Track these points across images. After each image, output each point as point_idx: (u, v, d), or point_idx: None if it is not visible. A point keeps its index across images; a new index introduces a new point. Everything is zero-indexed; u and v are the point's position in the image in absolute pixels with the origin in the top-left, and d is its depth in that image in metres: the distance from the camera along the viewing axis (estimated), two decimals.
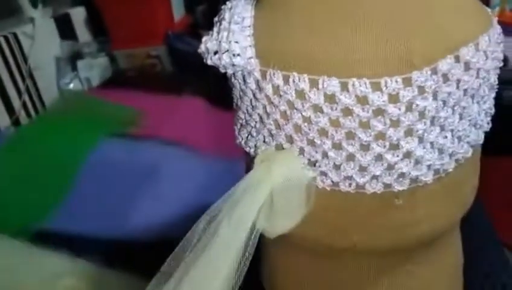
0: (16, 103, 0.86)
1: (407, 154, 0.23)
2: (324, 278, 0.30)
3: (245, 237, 0.22)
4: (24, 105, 0.88)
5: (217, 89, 0.94)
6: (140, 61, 1.06)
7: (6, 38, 0.84)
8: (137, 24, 1.01)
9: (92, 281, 0.47)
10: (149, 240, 0.50)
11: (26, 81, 0.88)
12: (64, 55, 0.99)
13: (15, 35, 0.86)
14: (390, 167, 0.23)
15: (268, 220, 0.23)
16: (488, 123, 0.27)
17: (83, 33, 1.07)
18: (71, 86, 0.98)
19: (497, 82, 0.26)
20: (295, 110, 0.23)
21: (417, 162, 0.23)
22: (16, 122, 0.85)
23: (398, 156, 0.23)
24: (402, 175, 0.24)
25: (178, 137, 0.74)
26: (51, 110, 0.88)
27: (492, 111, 0.27)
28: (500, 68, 0.96)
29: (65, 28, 1.01)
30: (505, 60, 1.07)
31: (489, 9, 0.27)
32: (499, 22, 0.26)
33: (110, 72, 1.06)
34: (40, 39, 0.92)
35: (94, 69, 1.02)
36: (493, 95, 0.27)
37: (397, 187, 0.24)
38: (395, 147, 0.23)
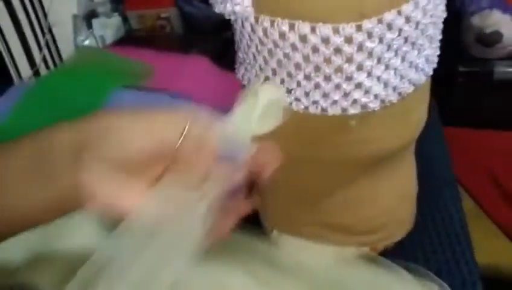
0: (37, 56, 0.94)
1: (359, 85, 0.31)
2: (297, 181, 0.38)
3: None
4: (44, 58, 0.96)
5: (221, 50, 1.01)
6: (151, 23, 1.13)
7: None
8: None
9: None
10: None
11: (46, 36, 0.96)
12: (81, 13, 1.06)
13: None
14: (346, 94, 0.31)
15: (257, 123, 0.31)
16: (430, 68, 0.35)
17: None
18: (86, 42, 1.05)
19: (437, 34, 0.34)
20: (278, 48, 0.31)
21: (366, 91, 0.31)
22: (36, 73, 0.93)
23: (351, 86, 0.31)
24: (355, 101, 0.32)
25: (185, 91, 0.82)
26: (69, 62, 0.95)
27: (434, 58, 0.35)
28: (495, 45, 1.05)
29: None
30: (499, 36, 1.16)
31: None
32: None
33: (122, 31, 1.13)
34: None
35: (108, 27, 1.09)
36: (434, 45, 0.34)
37: (351, 111, 0.32)
38: (349, 78, 0.31)
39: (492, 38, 1.25)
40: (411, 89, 0.33)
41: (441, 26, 0.34)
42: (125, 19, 1.13)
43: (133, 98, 0.78)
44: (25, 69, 0.91)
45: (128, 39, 1.11)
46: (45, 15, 0.96)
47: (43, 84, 0.85)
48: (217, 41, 1.02)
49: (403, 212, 0.43)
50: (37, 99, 0.81)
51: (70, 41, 1.04)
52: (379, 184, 0.39)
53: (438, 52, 0.35)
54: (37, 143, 0.32)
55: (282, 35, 0.31)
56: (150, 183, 0.32)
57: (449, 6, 1.34)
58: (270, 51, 0.32)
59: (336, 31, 0.29)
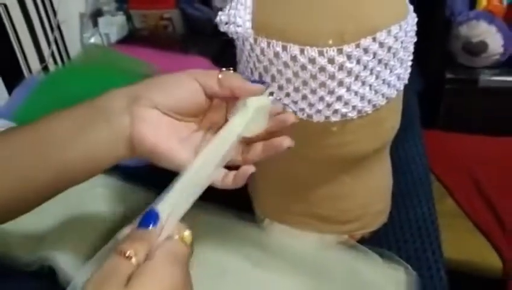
0: (46, 52, 0.99)
1: (339, 98, 0.37)
2: (287, 175, 0.45)
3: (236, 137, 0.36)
4: (52, 54, 1.01)
5: (220, 51, 1.07)
6: (154, 22, 1.18)
7: None
8: None
9: (121, 192, 0.61)
10: None
11: (54, 33, 1.01)
12: (88, 12, 1.11)
13: None
14: (328, 105, 0.38)
15: (246, 128, 0.36)
16: (401, 84, 0.41)
17: None
18: (92, 40, 1.11)
19: (408, 56, 0.40)
20: (273, 65, 0.38)
21: (346, 103, 0.38)
22: (45, 68, 0.99)
23: (333, 98, 0.37)
24: (336, 111, 0.38)
25: None
26: (78, 59, 1.01)
27: (405, 76, 0.41)
28: (481, 54, 1.13)
29: None
30: (485, 46, 1.24)
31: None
32: (486, 10, 0.40)
33: (126, 30, 1.18)
34: None
35: (113, 26, 1.14)
36: (405, 65, 0.40)
37: (333, 119, 0.38)
38: (331, 92, 0.37)
39: (478, 48, 1.32)
40: (384, 101, 0.40)
41: (411, 49, 0.41)
42: (129, 18, 1.18)
43: None
44: (35, 64, 0.97)
45: (132, 38, 1.15)
46: (54, 13, 1.01)
47: (53, 79, 0.90)
48: (217, 43, 1.08)
49: (379, 205, 0.49)
50: (48, 94, 0.86)
51: (77, 38, 1.10)
52: (357, 180, 0.45)
53: (409, 71, 0.41)
54: (91, 102, 0.37)
55: (276, 55, 0.37)
56: (195, 129, 0.38)
57: (439, 15, 1.42)
58: (265, 67, 0.38)
59: (321, 53, 0.35)
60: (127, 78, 0.88)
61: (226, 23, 0.39)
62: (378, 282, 0.46)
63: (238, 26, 0.38)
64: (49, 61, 1.00)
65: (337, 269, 0.47)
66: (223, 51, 1.06)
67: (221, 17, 0.40)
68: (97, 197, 0.59)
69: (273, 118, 0.37)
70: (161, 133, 0.36)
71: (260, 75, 0.39)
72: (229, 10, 0.40)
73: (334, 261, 0.47)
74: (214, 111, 0.39)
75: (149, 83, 0.37)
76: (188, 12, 1.12)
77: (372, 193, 0.47)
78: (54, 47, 1.01)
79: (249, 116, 0.36)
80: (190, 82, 0.37)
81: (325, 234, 0.48)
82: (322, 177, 0.44)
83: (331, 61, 0.36)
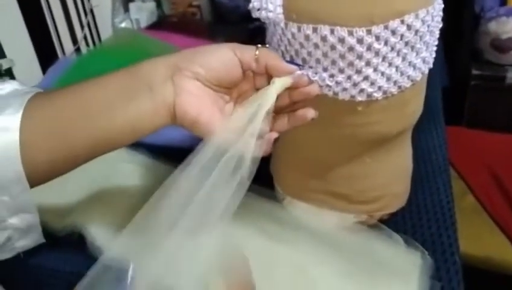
0: (79, 34, 1.03)
1: (366, 78, 0.39)
2: (308, 153, 0.47)
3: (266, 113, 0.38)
4: (85, 37, 1.05)
5: (247, 39, 1.08)
6: (183, 9, 1.20)
7: None
8: None
9: (145, 167, 0.63)
10: None
11: (87, 17, 1.05)
12: None
13: None
14: (355, 84, 0.39)
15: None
16: (426, 68, 0.42)
17: None
18: (123, 25, 1.14)
19: (433, 40, 0.41)
20: (303, 48, 0.39)
21: (372, 83, 0.39)
22: (77, 50, 1.03)
23: (360, 77, 0.39)
24: (362, 90, 0.40)
25: None
26: (109, 42, 1.04)
27: (430, 60, 0.42)
28: (509, 51, 1.13)
29: None
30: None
31: None
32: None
33: (156, 16, 1.21)
34: None
35: (143, 11, 1.17)
36: (430, 49, 0.42)
37: (358, 98, 0.40)
38: (358, 71, 0.39)
39: (507, 45, 1.30)
40: (409, 84, 0.41)
41: (437, 34, 0.42)
42: (158, 4, 1.21)
43: None
44: (68, 46, 1.00)
45: (161, 23, 1.18)
46: None
47: (85, 61, 0.94)
48: (244, 31, 1.09)
49: (398, 188, 0.51)
50: (80, 75, 0.90)
51: (109, 23, 1.13)
52: (378, 161, 0.46)
53: (434, 55, 0.43)
54: (133, 70, 0.38)
55: (306, 37, 0.39)
56: (227, 100, 0.40)
57: (468, 11, 1.41)
58: (296, 51, 0.40)
59: (351, 33, 0.37)
60: None
61: (258, 9, 0.41)
62: (395, 263, 0.47)
63: (269, 11, 0.40)
64: (82, 43, 1.04)
65: (355, 247, 0.48)
66: (249, 39, 1.08)
67: (253, 3, 0.42)
68: (122, 171, 0.61)
69: (299, 90, 0.38)
70: (203, 104, 0.38)
71: (291, 58, 0.41)
72: None
73: (352, 239, 0.49)
74: (244, 83, 0.40)
75: (188, 54, 0.39)
76: (216, 0, 1.14)
77: (392, 174, 0.49)
78: (86, 30, 1.05)
79: (275, 95, 0.38)
80: (229, 55, 0.38)
81: (345, 213, 0.49)
82: (343, 156, 0.46)
83: (359, 41, 0.37)
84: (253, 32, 1.09)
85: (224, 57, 0.39)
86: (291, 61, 0.40)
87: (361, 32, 0.37)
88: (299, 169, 0.49)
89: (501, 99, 1.38)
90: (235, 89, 0.41)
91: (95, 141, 0.37)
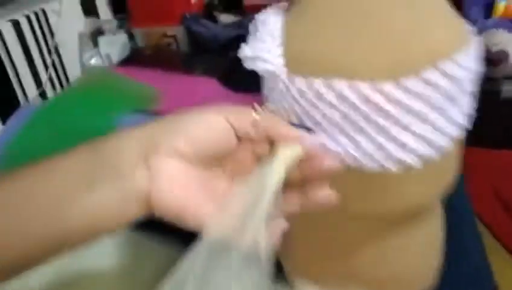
0: (43, 76, 0.93)
1: (398, 141, 0.31)
2: (323, 231, 0.38)
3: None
4: (50, 78, 0.95)
5: (228, 69, 1.01)
6: (157, 40, 1.12)
7: (36, 14, 0.90)
8: (156, 4, 1.07)
9: (126, 244, 0.54)
10: None
11: (52, 56, 0.95)
12: (87, 31, 1.05)
13: (44, 12, 0.92)
14: (384, 150, 0.31)
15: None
16: (467, 122, 0.34)
17: (105, 10, 1.13)
18: (93, 61, 1.04)
19: (473, 89, 0.33)
20: (315, 108, 0.31)
21: (405, 147, 0.31)
22: (42, 94, 0.92)
23: (390, 142, 0.30)
24: (393, 157, 0.31)
25: None
26: (77, 84, 0.94)
27: (470, 113, 0.34)
28: (501, 63, 1.03)
29: (88, 5, 1.07)
30: (505, 55, 1.14)
31: (468, 26, 0.34)
32: (504, 17, 0.33)
33: (128, 49, 1.12)
34: (66, 16, 0.98)
35: (114, 45, 1.08)
36: (469, 100, 0.34)
37: (389, 167, 0.31)
38: (388, 135, 0.30)
39: (498, 57, 1.25)
40: (449, 144, 0.33)
41: (475, 81, 0.34)
42: (131, 36, 1.13)
43: (143, 122, 0.77)
44: (31, 90, 0.90)
45: (134, 57, 1.09)
46: (52, 34, 0.95)
47: (51, 106, 0.84)
48: (223, 61, 1.02)
49: (428, 266, 0.42)
50: (46, 122, 0.80)
51: (77, 60, 1.04)
52: (409, 237, 0.38)
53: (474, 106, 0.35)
54: (96, 148, 0.30)
55: (318, 95, 0.30)
56: (224, 179, 0.32)
57: None
58: (305, 111, 0.32)
59: (375, 88, 0.29)
60: (131, 104, 0.82)
61: (252, 60, 0.33)
62: None
63: (267, 62, 0.32)
64: (47, 86, 0.94)
65: None
66: (230, 70, 1.00)
67: (245, 51, 0.33)
68: (97, 251, 0.52)
69: (312, 163, 0.30)
70: (189, 191, 0.30)
71: (299, 120, 0.32)
72: (254, 42, 0.33)
73: None
74: (240, 150, 0.33)
75: (168, 124, 0.31)
76: (194, 30, 1.06)
77: (422, 252, 0.40)
78: (51, 71, 0.95)
79: (283, 170, 0.30)
80: (219, 122, 0.30)
81: None
82: (368, 235, 0.37)
83: (387, 97, 0.29)
84: (234, 61, 1.01)
85: (215, 126, 0.30)
86: (300, 125, 0.32)
87: (387, 86, 0.29)
88: (314, 249, 0.40)
89: (497, 114, 1.33)
90: (229, 159, 0.33)
91: (45, 241, 0.29)
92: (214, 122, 0.30)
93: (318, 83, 0.30)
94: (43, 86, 0.92)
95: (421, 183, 0.33)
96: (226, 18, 1.17)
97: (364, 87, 0.29)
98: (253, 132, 0.30)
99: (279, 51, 0.32)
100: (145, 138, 0.30)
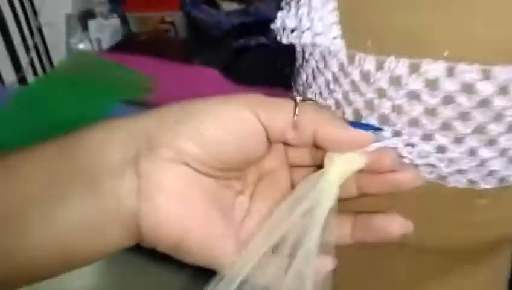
0: (23, 60, 0.83)
1: (503, 152, 0.22)
2: (379, 274, 0.29)
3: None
4: (31, 62, 0.85)
5: (230, 60, 0.92)
6: (153, 26, 1.02)
7: None
8: None
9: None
10: None
11: (34, 38, 0.85)
12: (76, 13, 0.95)
13: None
14: (482, 163, 0.22)
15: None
16: None
17: None
18: (81, 46, 0.95)
19: None
20: (385, 99, 0.22)
21: (510, 161, 0.22)
22: (22, 80, 0.82)
23: (492, 152, 0.21)
24: (491, 173, 0.22)
25: None
26: (61, 69, 0.84)
27: None
28: None
29: None
30: None
31: None
32: None
33: (120, 34, 1.02)
34: None
35: (105, 30, 0.98)
36: None
37: (483, 185, 0.23)
38: (492, 142, 0.21)
39: None
40: None
41: None
42: (124, 21, 1.03)
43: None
44: (9, 74, 0.80)
45: (128, 43, 1.00)
46: (35, 13, 0.85)
47: (31, 91, 0.74)
48: (227, 51, 0.93)
49: None
50: (23, 111, 0.70)
51: (63, 44, 0.93)
52: (468, 278, 0.29)
53: None
54: (69, 145, 0.22)
55: (395, 80, 0.21)
56: (238, 189, 0.24)
57: None
58: (369, 103, 0.22)
59: (486, 74, 0.20)
60: (122, 93, 0.73)
61: (293, 30, 0.24)
62: None
63: (316, 34, 0.23)
64: (28, 71, 0.84)
65: None
66: (234, 60, 0.91)
67: (284, 20, 0.24)
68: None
69: (380, 177, 0.21)
70: (197, 210, 0.21)
71: (358, 114, 0.23)
72: (297, 9, 0.24)
73: None
74: (270, 157, 0.24)
75: (171, 116, 0.22)
76: (194, 15, 0.96)
77: (499, 283, 0.32)
78: (33, 54, 0.85)
79: (337, 187, 0.21)
80: (246, 119, 0.21)
81: None
82: (423, 274, 0.28)
83: (502, 89, 0.20)
84: (239, 52, 0.92)
85: (239, 125, 0.21)
86: (363, 124, 0.23)
87: (503, 72, 0.20)
88: (357, 286, 0.31)
89: None
90: (252, 169, 0.24)
91: (4, 268, 0.21)
92: (239, 118, 0.21)
93: (396, 63, 0.21)
94: (23, 70, 0.82)
95: (509, 210, 0.24)
96: (228, 6, 1.07)
97: (472, 72, 0.20)
98: (292, 136, 0.22)
99: (333, 18, 0.23)
100: (136, 134, 0.21)
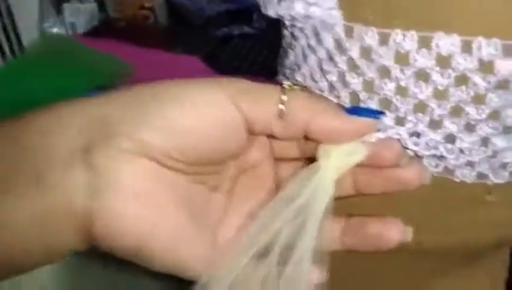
0: None
1: None
2: (373, 278, 0.26)
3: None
4: None
5: (213, 49, 0.89)
6: (132, 12, 0.98)
7: None
8: None
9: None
10: None
11: (3, 19, 0.80)
12: None
13: None
14: (495, 154, 0.19)
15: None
16: None
17: None
18: (54, 30, 0.90)
19: None
20: (388, 79, 0.19)
21: None
22: None
23: (508, 142, 0.19)
24: (504, 166, 0.20)
25: None
26: (32, 52, 0.79)
27: None
28: None
29: None
30: None
31: None
32: None
33: (97, 20, 0.98)
34: None
35: (81, 14, 0.94)
36: None
37: (494, 179, 0.20)
38: (508, 130, 0.19)
39: None
40: None
41: None
42: (101, 6, 0.98)
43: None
44: None
45: (104, 29, 0.96)
46: None
47: None
48: (210, 40, 0.89)
49: None
50: None
51: (34, 27, 0.88)
52: (465, 281, 0.27)
53: None
54: (15, 134, 0.18)
55: (400, 57, 0.18)
56: (214, 186, 0.20)
57: None
58: (369, 84, 0.19)
59: (509, 51, 0.17)
60: (96, 79, 0.69)
61: (281, 0, 0.21)
62: None
63: (309, 4, 0.20)
64: None
65: None
66: (217, 48, 0.88)
67: None
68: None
69: (383, 172, 0.19)
70: (158, 211, 0.18)
71: (356, 97, 0.20)
72: None
73: None
74: (252, 149, 0.21)
75: (134, 101, 0.18)
76: (175, 1, 0.93)
77: (501, 284, 0.29)
78: (1, 36, 0.80)
79: (333, 184, 0.18)
80: (222, 106, 0.18)
81: None
82: (422, 276, 0.26)
83: None
84: (223, 41, 0.89)
85: (213, 114, 0.18)
86: (359, 108, 0.20)
87: None
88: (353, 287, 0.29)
89: None
90: (231, 163, 0.21)
91: None
92: (214, 106, 0.18)
93: (404, 37, 0.18)
94: None
95: None
96: None
97: (491, 47, 0.17)
98: (279, 128, 0.19)
99: None
100: (92, 119, 0.18)
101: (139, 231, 0.17)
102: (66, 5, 0.94)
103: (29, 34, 0.86)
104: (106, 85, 0.67)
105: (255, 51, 0.86)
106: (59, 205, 0.17)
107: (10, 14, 0.81)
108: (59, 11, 0.94)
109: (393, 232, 0.20)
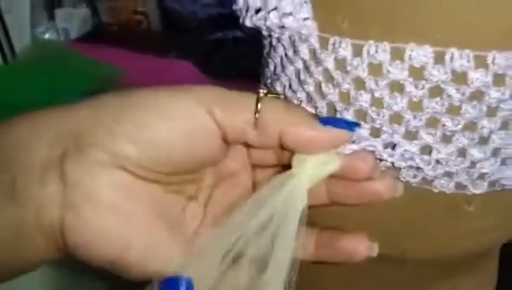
0: None
1: (495, 152, 0.19)
2: (359, 287, 0.26)
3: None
4: None
5: (206, 54, 0.88)
6: (125, 17, 0.98)
7: None
8: None
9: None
10: None
11: None
12: (41, 1, 0.90)
13: None
14: (473, 164, 0.19)
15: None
16: None
17: None
18: (47, 36, 0.90)
19: None
20: (363, 91, 0.19)
21: (503, 162, 0.19)
22: None
23: (485, 152, 0.19)
24: (481, 176, 0.19)
25: None
26: (24, 58, 0.79)
27: None
28: None
29: None
30: None
31: None
32: None
33: (90, 25, 0.97)
34: None
35: (73, 20, 0.93)
36: None
37: (473, 189, 0.20)
38: (484, 140, 0.18)
39: None
40: None
41: None
42: (94, 11, 0.98)
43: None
44: None
45: (97, 35, 0.95)
46: None
47: None
48: (203, 44, 0.89)
49: None
50: None
51: (27, 33, 0.88)
52: (467, 283, 0.27)
53: None
54: None
55: (376, 70, 0.18)
56: (190, 194, 0.20)
57: None
58: (345, 95, 0.19)
59: (481, 62, 0.17)
60: (86, 84, 0.68)
61: (258, 11, 0.21)
62: None
63: (284, 14, 0.20)
64: None
65: None
66: (210, 54, 0.88)
67: (243, 1, 0.21)
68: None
69: (355, 185, 0.19)
70: (132, 224, 0.18)
71: (332, 108, 0.20)
72: None
73: None
74: (227, 164, 0.21)
75: (107, 108, 0.18)
76: (168, 5, 0.92)
77: None
78: None
79: (306, 194, 0.18)
80: (196, 115, 0.18)
81: None
82: (415, 285, 0.26)
83: (498, 79, 0.17)
84: (216, 45, 0.89)
85: (187, 123, 0.18)
86: (334, 119, 0.20)
87: (501, 60, 0.17)
88: None
89: None
90: (208, 171, 0.21)
91: None
92: (188, 115, 0.18)
93: (377, 48, 0.18)
94: None
95: (506, 212, 0.22)
96: None
97: (465, 59, 0.17)
98: (254, 137, 0.18)
99: None
100: (65, 128, 0.18)
101: (114, 243, 0.17)
102: (58, 11, 0.93)
103: (21, 39, 0.86)
104: (97, 90, 0.67)
105: (248, 55, 0.86)
106: (32, 217, 0.17)
107: (2, 19, 0.81)
108: (51, 17, 0.93)
109: (361, 247, 0.20)
